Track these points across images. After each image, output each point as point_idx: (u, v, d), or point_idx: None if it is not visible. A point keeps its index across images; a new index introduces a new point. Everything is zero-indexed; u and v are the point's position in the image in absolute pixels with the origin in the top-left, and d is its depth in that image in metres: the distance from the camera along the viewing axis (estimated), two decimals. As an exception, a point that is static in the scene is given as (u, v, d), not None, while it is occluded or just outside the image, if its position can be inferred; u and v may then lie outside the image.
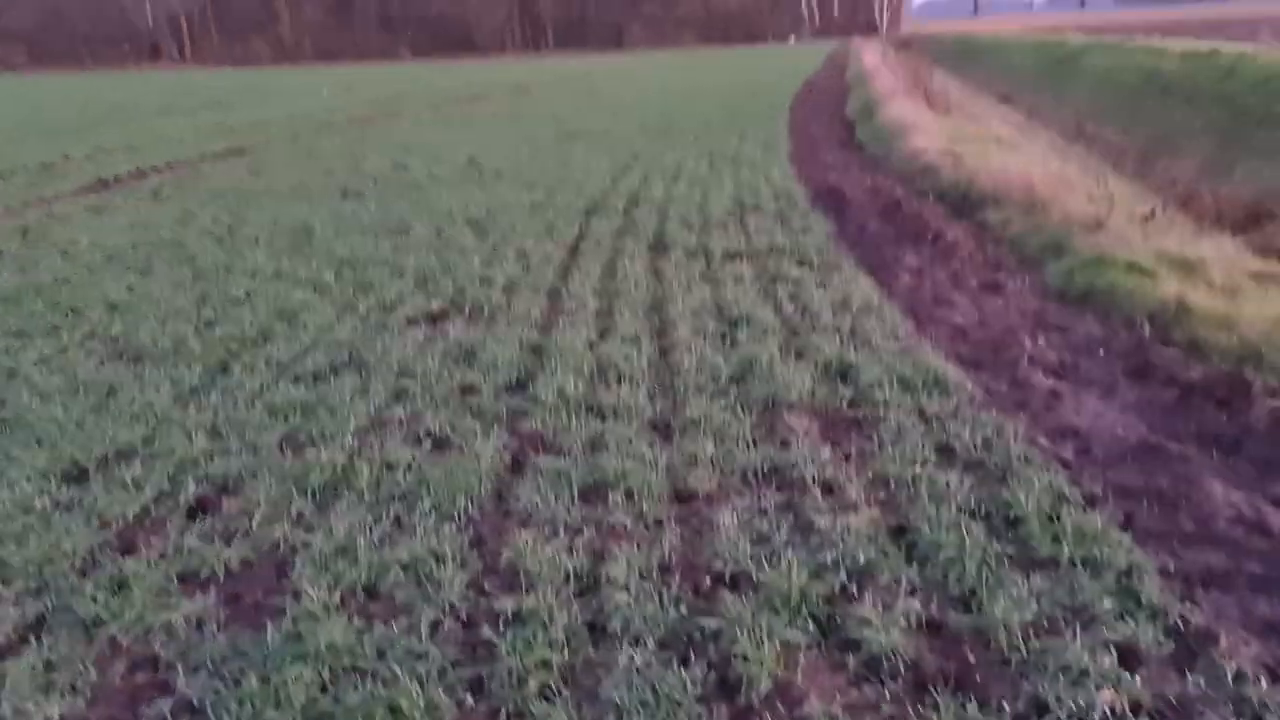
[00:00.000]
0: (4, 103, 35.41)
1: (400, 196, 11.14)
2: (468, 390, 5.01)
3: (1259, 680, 2.63)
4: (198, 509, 3.86)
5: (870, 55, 38.55)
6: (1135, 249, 6.49)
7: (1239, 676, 2.65)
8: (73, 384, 5.35)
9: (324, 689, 2.75)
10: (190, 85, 45.21)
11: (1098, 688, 2.61)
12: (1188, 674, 2.67)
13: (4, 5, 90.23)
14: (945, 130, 13.43)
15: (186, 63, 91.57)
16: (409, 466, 4.12)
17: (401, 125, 20.82)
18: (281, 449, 4.37)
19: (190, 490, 3.99)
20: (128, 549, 3.55)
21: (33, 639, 3.07)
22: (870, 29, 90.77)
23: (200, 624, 3.11)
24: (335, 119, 22.54)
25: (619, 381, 4.99)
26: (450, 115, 23.05)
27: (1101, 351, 5.15)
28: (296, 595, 3.21)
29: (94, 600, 3.21)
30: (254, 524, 3.70)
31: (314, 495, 3.91)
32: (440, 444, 4.37)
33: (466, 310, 6.48)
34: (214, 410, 4.88)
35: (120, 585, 3.30)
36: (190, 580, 3.36)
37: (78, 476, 4.18)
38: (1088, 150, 19.29)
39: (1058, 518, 3.43)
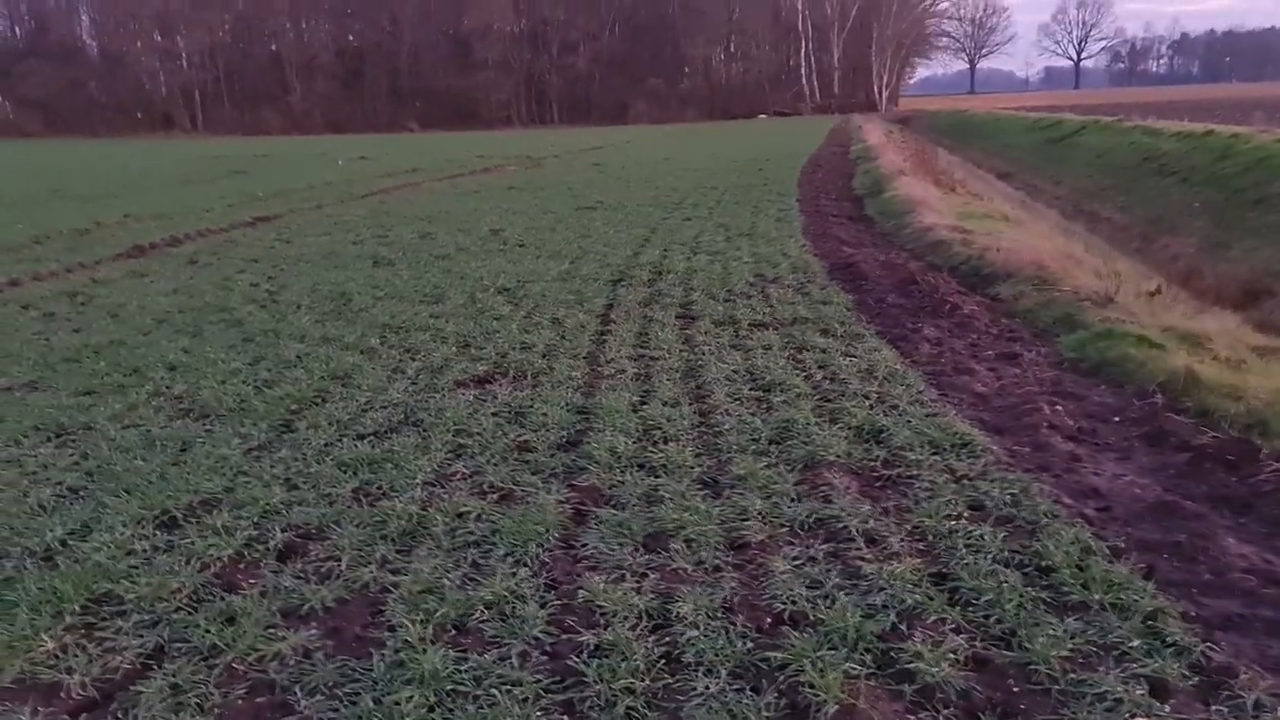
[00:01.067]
0: (28, 169, 36.23)
1: (430, 265, 11.58)
2: (523, 448, 5.35)
3: (1276, 710, 2.94)
4: (287, 552, 4.18)
5: (874, 132, 39.56)
6: (1143, 323, 6.89)
7: (1258, 705, 2.95)
8: (147, 439, 5.68)
9: (431, 709, 3.05)
10: (205, 154, 46.23)
11: (1132, 715, 2.92)
12: (1212, 704, 2.98)
13: (23, 74, 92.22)
14: (953, 207, 13.97)
15: (198, 131, 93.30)
16: (479, 516, 4.44)
17: (420, 196, 21.44)
18: (357, 499, 4.70)
19: (277, 536, 4.31)
20: (230, 587, 3.86)
21: (155, 665, 3.37)
22: (869, 105, 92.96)
23: (308, 653, 3.41)
24: (354, 189, 23.16)
25: (665, 441, 5.33)
26: (465, 186, 23.70)
27: (1116, 418, 5.51)
28: (393, 629, 3.51)
29: (207, 632, 3.51)
30: (343, 566, 4.01)
31: (394, 541, 4.23)
32: (505, 496, 4.70)
33: (511, 374, 6.84)
34: (286, 464, 5.21)
35: (229, 619, 3.60)
36: (292, 615, 3.66)
37: (169, 523, 4.49)
38: (1088, 227, 19.91)
39: (1086, 567, 3.76)
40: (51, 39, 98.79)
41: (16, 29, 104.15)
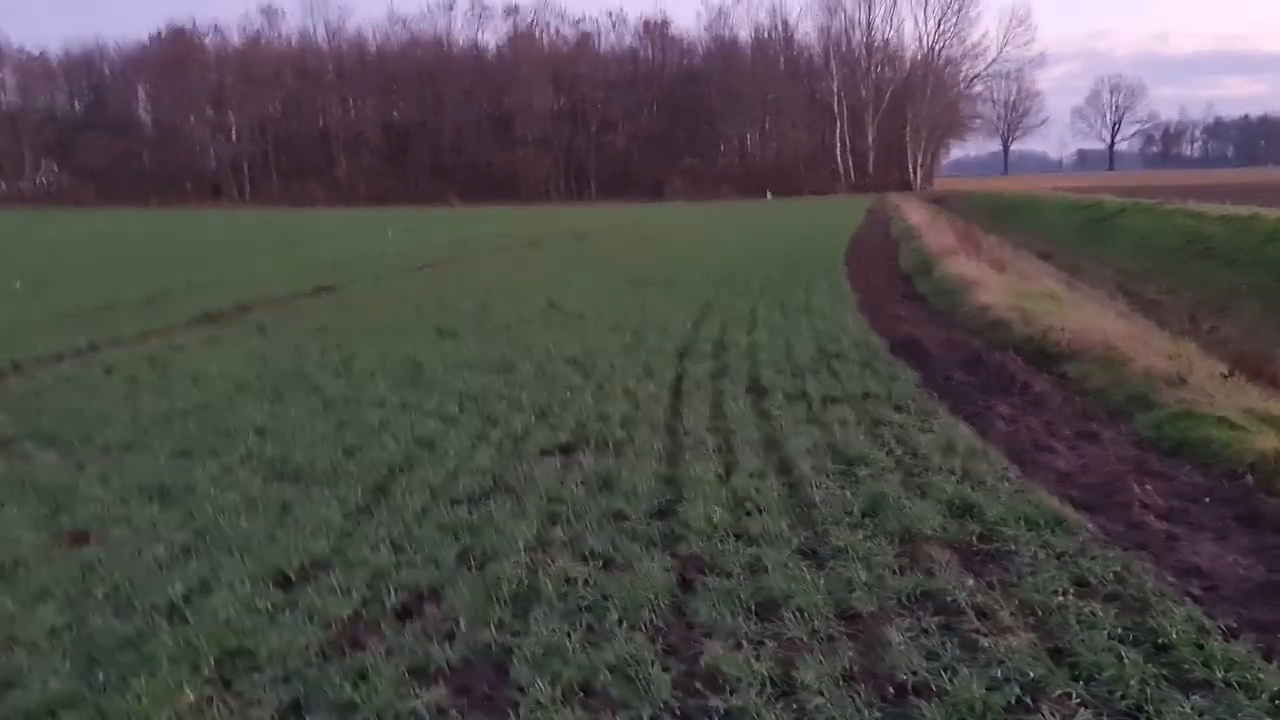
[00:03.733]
0: (87, 238, 37.33)
1: (494, 336, 11.81)
2: (618, 516, 5.44)
3: None
4: (404, 612, 4.29)
5: (914, 212, 39.88)
6: (1220, 405, 6.91)
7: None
8: (248, 500, 5.83)
9: (574, 769, 3.11)
10: (256, 224, 47.49)
11: (1273, 792, 2.93)
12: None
13: (79, 145, 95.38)
14: (1006, 286, 14.08)
15: (245, 202, 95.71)
16: (586, 581, 4.53)
17: (472, 268, 21.86)
18: (463, 563, 4.80)
19: (392, 596, 4.42)
20: (355, 645, 3.96)
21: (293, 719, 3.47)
22: (904, 185, 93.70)
23: (441, 711, 3.50)
24: (406, 261, 23.66)
25: (759, 512, 5.41)
26: (515, 260, 24.15)
27: (1207, 499, 5.53)
28: (522, 689, 3.59)
29: (342, 688, 3.61)
30: (462, 627, 4.10)
31: (508, 603, 4.32)
32: (609, 563, 4.78)
33: (592, 443, 6.96)
34: (387, 527, 5.33)
35: (361, 675, 3.70)
36: (420, 674, 3.75)
37: (285, 582, 4.62)
38: (1133, 308, 19.89)
39: (1203, 645, 3.78)
40: (109, 112, 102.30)
41: (76, 102, 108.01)
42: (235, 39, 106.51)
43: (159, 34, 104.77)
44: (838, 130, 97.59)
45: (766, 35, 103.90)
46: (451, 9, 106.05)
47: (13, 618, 4.24)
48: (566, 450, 6.80)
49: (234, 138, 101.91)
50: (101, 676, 3.70)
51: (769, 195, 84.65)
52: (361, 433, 7.37)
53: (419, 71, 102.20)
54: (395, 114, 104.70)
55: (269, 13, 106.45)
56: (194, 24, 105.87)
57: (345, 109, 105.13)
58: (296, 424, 7.64)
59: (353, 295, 16.61)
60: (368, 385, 9.06)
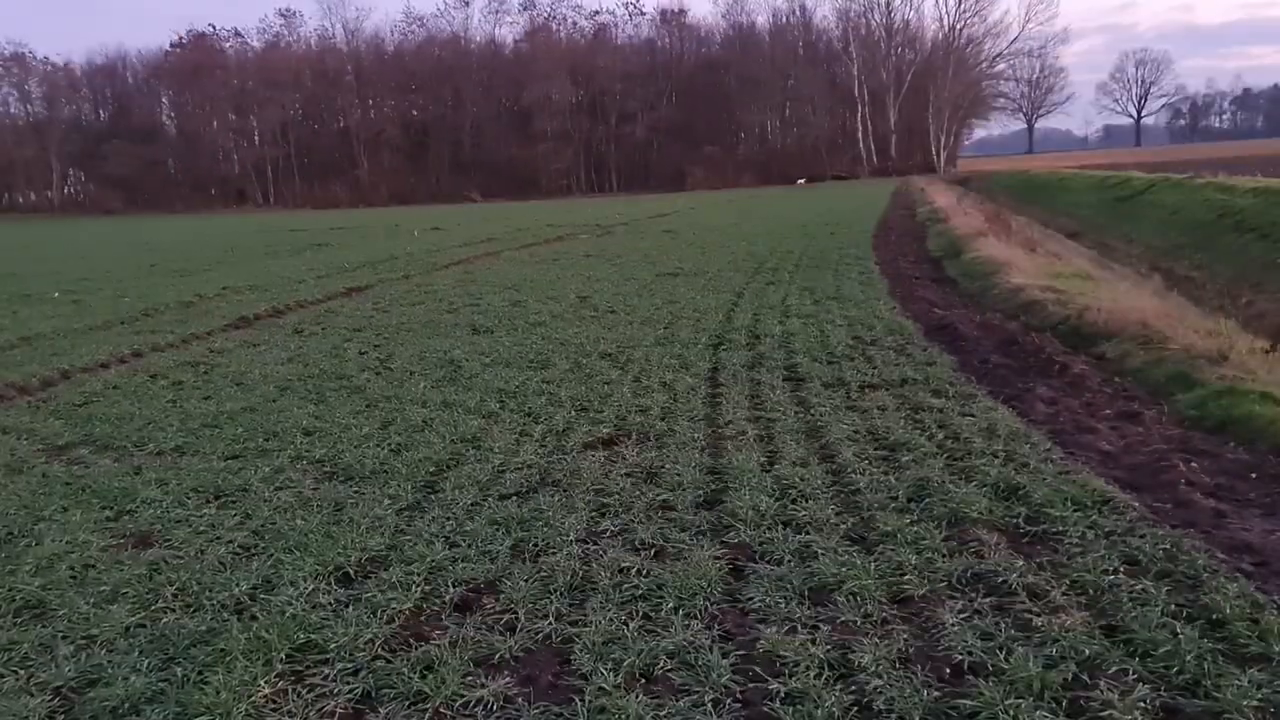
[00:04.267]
0: (119, 245, 37.85)
1: (529, 332, 11.91)
2: (665, 507, 5.52)
3: None
4: (464, 606, 4.39)
5: (940, 195, 39.66)
6: (1264, 381, 6.89)
7: None
8: (301, 500, 5.96)
9: (642, 753, 3.20)
10: (282, 226, 47.86)
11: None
12: None
13: (106, 154, 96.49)
14: (1039, 267, 14.03)
15: (269, 206, 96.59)
16: (639, 571, 4.62)
17: (500, 265, 21.99)
18: (517, 555, 4.90)
19: (451, 590, 4.52)
20: (420, 637, 4.07)
21: (368, 710, 3.58)
22: (927, 168, 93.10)
23: (508, 700, 3.59)
24: (435, 259, 23.83)
25: (805, 499, 5.47)
26: (542, 255, 24.25)
27: (1254, 475, 5.54)
28: (585, 677, 3.68)
29: (410, 679, 3.71)
30: (521, 618, 4.20)
31: (564, 595, 4.41)
32: (659, 553, 4.86)
33: (634, 436, 7.03)
34: (440, 523, 5.43)
35: (428, 667, 3.80)
36: (485, 664, 3.85)
37: (345, 578, 4.73)
38: (1166, 285, 19.73)
39: (1258, 620, 3.81)
40: (133, 120, 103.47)
41: (100, 111, 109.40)
42: (255, 43, 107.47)
43: (180, 40, 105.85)
44: (859, 114, 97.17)
45: (785, 20, 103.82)
46: (468, 5, 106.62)
47: (88, 618, 4.37)
48: (609, 444, 6.89)
49: (256, 141, 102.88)
50: (179, 672, 3.82)
51: (800, 181, 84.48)
52: (407, 431, 7.48)
53: (437, 69, 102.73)
54: (415, 112, 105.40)
55: (288, 15, 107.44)
56: (214, 29, 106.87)
57: (365, 109, 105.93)
58: (342, 424, 7.77)
59: (385, 295, 16.78)
60: (408, 384, 9.19)
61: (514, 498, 5.83)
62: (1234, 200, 27.03)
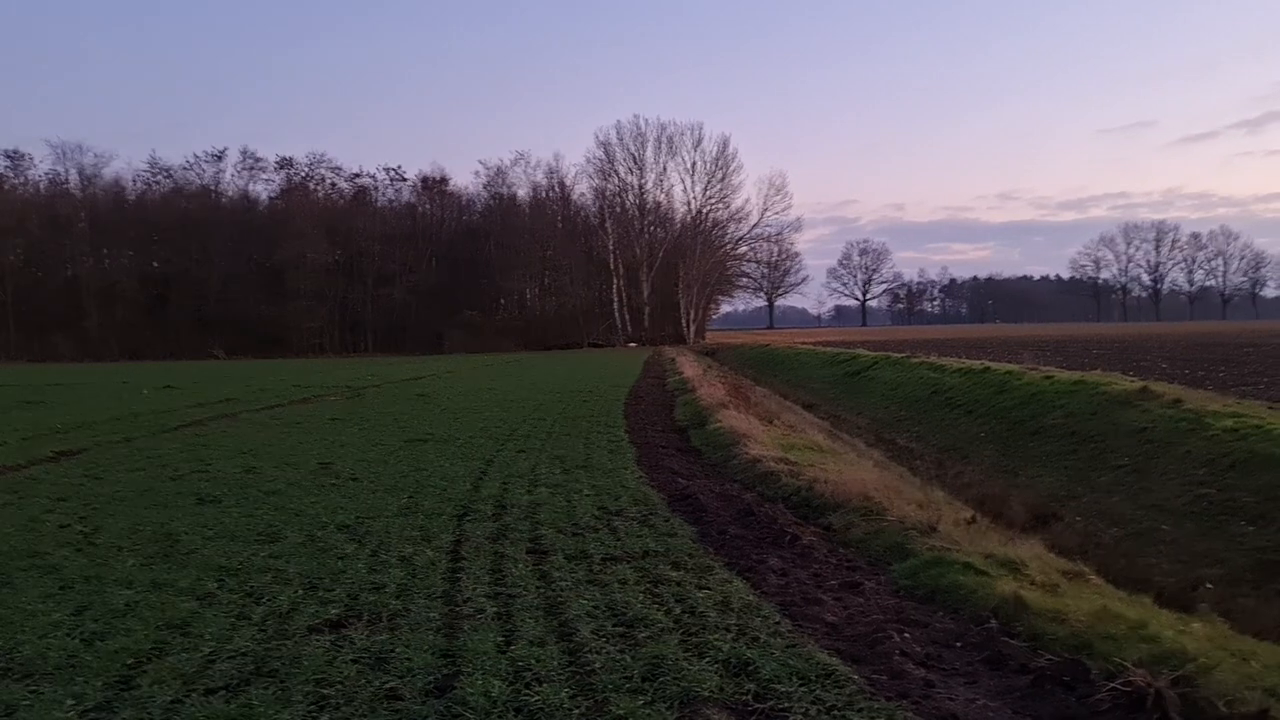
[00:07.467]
0: None
1: (261, 502, 11.19)
2: (392, 696, 5.19)
3: None
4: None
5: (688, 365, 41.57)
6: (966, 550, 7.48)
7: None
8: (-39, 705, 5.15)
9: None
10: (-10, 381, 43.34)
11: None
12: None
13: None
14: (775, 439, 14.81)
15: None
16: (356, 774, 4.26)
17: (238, 427, 20.76)
18: (218, 763, 4.41)
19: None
20: None
21: None
22: (678, 338, 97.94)
23: None
24: (165, 420, 22.20)
25: (539, 683, 5.30)
26: (286, 417, 23.16)
27: (959, 643, 5.91)
28: None
29: None
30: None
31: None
32: (380, 751, 4.52)
33: (365, 617, 6.64)
34: (130, 727, 4.84)
35: None
36: None
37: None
38: (888, 455, 21.36)
39: (962, 791, 3.97)
40: None
41: None
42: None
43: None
44: (614, 285, 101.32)
45: (544, 195, 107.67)
46: (221, 160, 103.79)
47: None
48: (337, 626, 6.46)
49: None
50: None
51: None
52: (105, 616, 6.71)
53: (182, 221, 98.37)
54: (155, 264, 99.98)
55: (14, 157, 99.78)
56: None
57: (99, 258, 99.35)
58: (26, 610, 6.87)
59: (101, 460, 15.34)
60: (114, 562, 8.32)
61: (222, 692, 5.30)
62: (944, 378, 29.99)
